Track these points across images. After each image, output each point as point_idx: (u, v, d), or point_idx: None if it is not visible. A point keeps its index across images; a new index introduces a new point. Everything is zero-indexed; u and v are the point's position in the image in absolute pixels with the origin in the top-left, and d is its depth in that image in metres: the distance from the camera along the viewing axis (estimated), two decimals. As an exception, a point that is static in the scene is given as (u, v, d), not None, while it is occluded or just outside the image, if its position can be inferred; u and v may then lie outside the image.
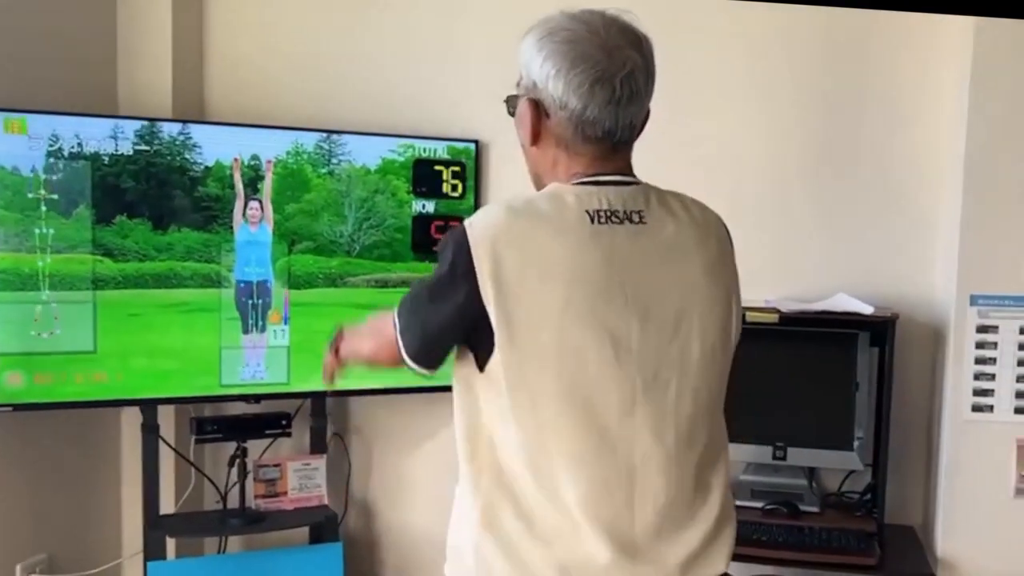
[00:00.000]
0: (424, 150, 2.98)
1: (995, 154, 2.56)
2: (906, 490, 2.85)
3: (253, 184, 2.85)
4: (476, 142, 3.03)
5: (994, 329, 2.59)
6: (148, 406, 2.85)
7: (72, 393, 2.70)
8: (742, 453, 2.79)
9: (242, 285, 2.86)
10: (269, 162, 2.86)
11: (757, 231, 2.76)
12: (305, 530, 3.06)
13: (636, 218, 1.45)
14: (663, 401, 1.45)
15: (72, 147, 2.66)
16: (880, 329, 2.67)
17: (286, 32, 3.20)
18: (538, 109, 1.47)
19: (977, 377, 2.61)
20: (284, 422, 2.96)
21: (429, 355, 1.52)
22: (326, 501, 3.03)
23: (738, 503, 2.70)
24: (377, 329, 1.61)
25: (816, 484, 2.87)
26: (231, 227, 2.84)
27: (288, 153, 2.89)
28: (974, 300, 2.59)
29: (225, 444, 2.94)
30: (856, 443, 2.73)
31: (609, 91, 1.41)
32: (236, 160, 2.82)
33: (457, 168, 3.02)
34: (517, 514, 1.44)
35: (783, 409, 2.77)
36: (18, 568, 2.81)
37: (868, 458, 2.74)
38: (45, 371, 2.66)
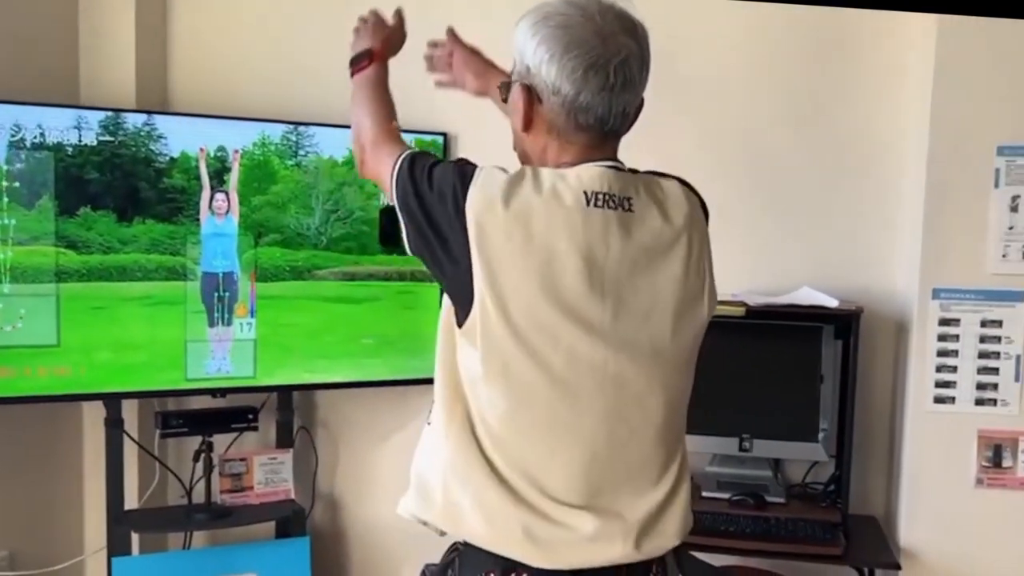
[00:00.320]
0: (392, 143, 2.97)
1: (957, 151, 2.60)
2: (869, 481, 2.89)
3: (219, 176, 2.83)
4: (444, 135, 3.03)
5: (956, 322, 2.63)
6: (112, 400, 2.83)
7: (35, 387, 2.66)
8: (709, 445, 2.81)
9: (208, 277, 2.83)
10: (237, 152, 2.84)
11: (724, 226, 2.75)
12: (271, 524, 3.05)
13: (627, 205, 1.45)
14: (633, 382, 1.46)
15: (35, 137, 2.62)
16: (844, 322, 2.70)
17: (252, 21, 3.17)
18: (531, 95, 1.46)
19: (939, 369, 2.64)
20: (250, 416, 2.95)
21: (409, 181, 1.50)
22: (293, 495, 3.02)
23: (705, 494, 2.76)
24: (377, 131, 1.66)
25: (781, 475, 2.90)
26: (197, 219, 2.81)
27: (255, 144, 2.86)
28: (936, 294, 2.63)
29: (190, 438, 2.91)
30: (821, 435, 2.76)
31: (603, 77, 1.41)
32: (202, 151, 2.80)
33: (425, 161, 3.01)
34: (484, 469, 1.46)
35: (749, 401, 2.79)
36: (-21, 564, 2.78)
37: (832, 449, 2.77)
38: (7, 365, 2.62)
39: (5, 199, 2.59)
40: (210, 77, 3.16)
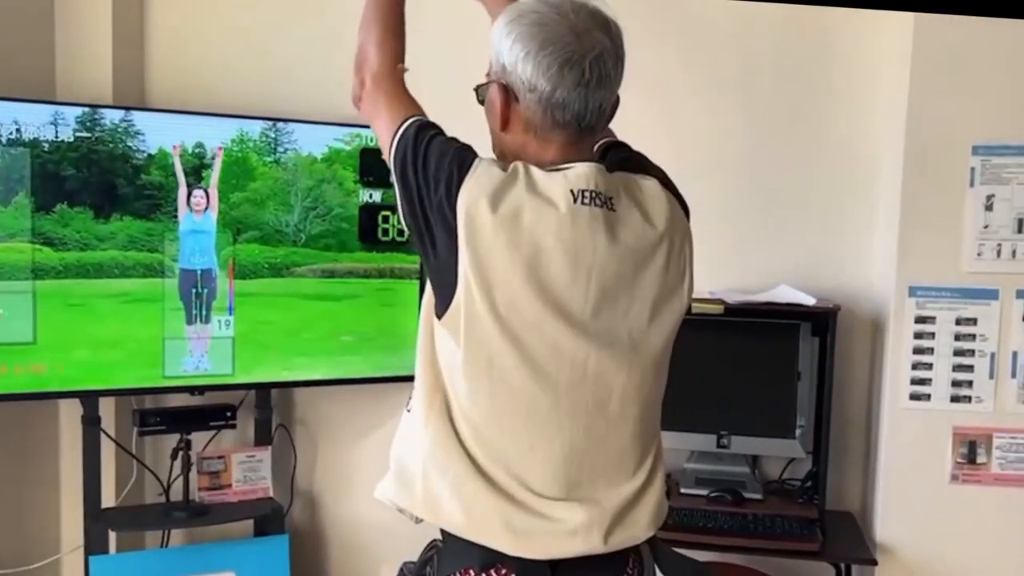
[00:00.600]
0: (371, 139, 2.95)
1: (933, 149, 2.62)
2: (846, 477, 2.92)
3: (197, 172, 2.81)
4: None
5: (931, 320, 2.65)
6: (89, 398, 2.81)
7: (11, 385, 2.64)
8: (687, 441, 2.82)
9: (186, 274, 2.82)
10: (220, 149, 2.82)
11: (702, 224, 2.76)
12: (250, 523, 3.03)
13: (610, 204, 1.46)
14: (612, 377, 1.47)
15: (10, 133, 2.60)
16: (822, 320, 2.72)
17: (230, 17, 3.15)
18: (507, 93, 1.47)
19: (915, 367, 2.67)
20: (228, 414, 2.94)
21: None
22: (271, 493, 3.01)
23: (682, 491, 2.78)
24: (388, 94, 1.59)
25: (759, 472, 2.92)
26: (175, 216, 2.80)
27: (233, 141, 2.85)
28: (912, 292, 2.65)
29: (168, 436, 2.90)
30: (798, 431, 2.78)
31: (578, 73, 1.41)
32: (176, 148, 2.78)
33: (404, 158, 3.00)
34: (464, 460, 1.46)
35: (727, 398, 2.81)
36: (-46, 564, 2.76)
37: (809, 446, 2.79)
38: (-18, 362, 2.61)
39: (-20, 195, 2.57)
40: (188, 73, 3.14)
